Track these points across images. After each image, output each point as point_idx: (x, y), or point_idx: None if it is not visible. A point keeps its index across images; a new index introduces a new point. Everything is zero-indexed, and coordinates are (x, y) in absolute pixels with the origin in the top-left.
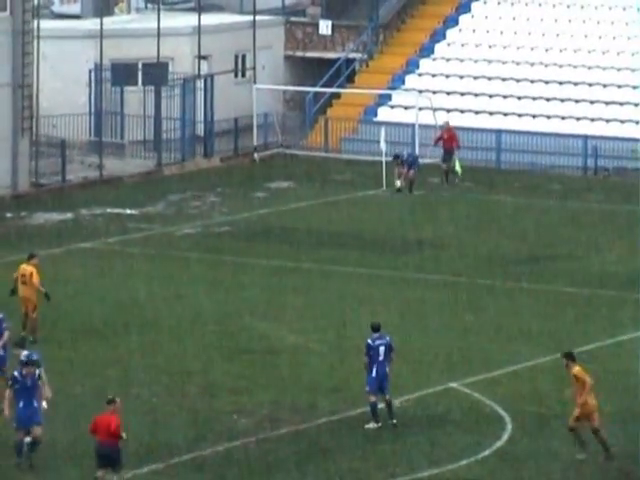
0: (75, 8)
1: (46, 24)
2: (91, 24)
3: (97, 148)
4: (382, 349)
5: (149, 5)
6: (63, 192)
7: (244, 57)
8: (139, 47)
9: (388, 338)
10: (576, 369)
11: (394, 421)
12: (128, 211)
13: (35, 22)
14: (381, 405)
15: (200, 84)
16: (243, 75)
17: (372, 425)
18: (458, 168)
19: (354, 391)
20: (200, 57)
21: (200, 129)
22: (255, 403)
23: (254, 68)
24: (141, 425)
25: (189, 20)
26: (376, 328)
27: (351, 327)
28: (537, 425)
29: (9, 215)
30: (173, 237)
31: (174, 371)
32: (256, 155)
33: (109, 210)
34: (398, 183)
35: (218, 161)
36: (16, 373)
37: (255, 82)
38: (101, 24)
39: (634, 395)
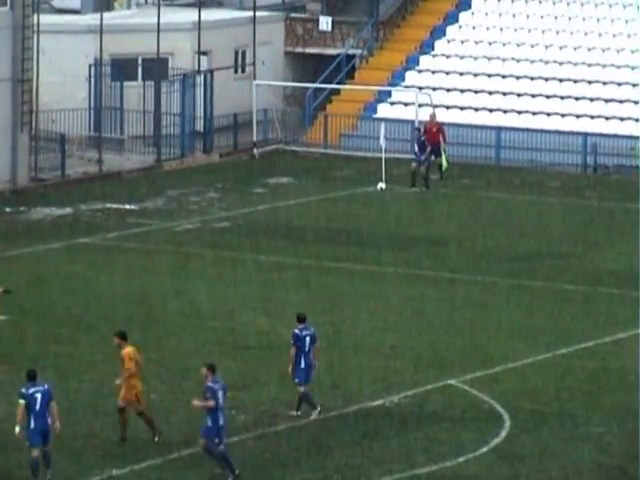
0: (75, 3)
1: (46, 19)
2: (91, 19)
3: (97, 143)
4: (308, 339)
5: (149, 0)
6: (62, 187)
7: (244, 53)
8: (139, 42)
9: (312, 329)
10: (127, 350)
11: (298, 413)
12: (127, 206)
13: (35, 17)
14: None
15: (200, 80)
16: (243, 71)
17: (315, 414)
18: (445, 164)
19: (352, 387)
20: (200, 53)
21: (200, 125)
22: (254, 399)
23: (254, 64)
24: (140, 421)
25: (189, 15)
26: (302, 319)
27: (350, 323)
28: (535, 422)
29: (8, 210)
30: (172, 232)
31: (173, 367)
32: (255, 151)
33: (108, 205)
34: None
35: (217, 157)
36: (24, 390)
37: (255, 78)
38: (101, 19)
39: (632, 393)
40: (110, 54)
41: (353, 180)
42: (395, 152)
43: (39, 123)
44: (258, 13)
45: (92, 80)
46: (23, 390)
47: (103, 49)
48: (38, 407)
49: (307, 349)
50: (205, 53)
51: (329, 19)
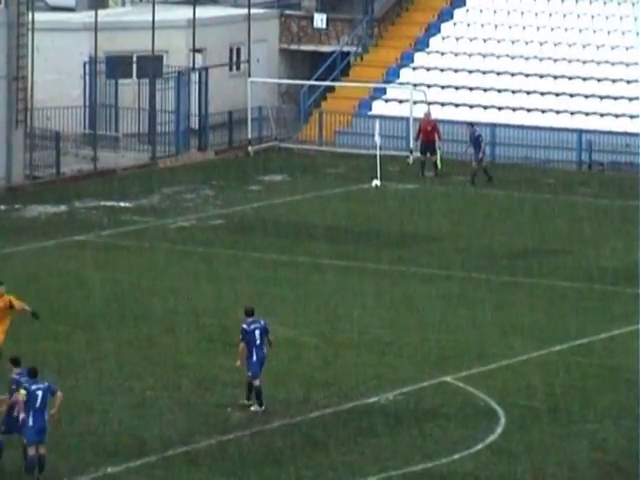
0: (69, 0)
1: (40, 16)
2: (85, 16)
3: (91, 141)
4: (257, 332)
5: None
6: (57, 184)
7: (239, 50)
8: (134, 40)
9: (263, 322)
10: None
11: (249, 403)
12: (122, 204)
13: (30, 14)
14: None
15: (195, 77)
16: (238, 68)
17: (256, 408)
18: (439, 162)
19: (347, 384)
20: (195, 50)
21: (195, 122)
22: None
23: (249, 61)
24: (135, 418)
25: (184, 13)
26: (249, 312)
27: (344, 321)
28: (530, 419)
29: (3, 207)
30: (167, 230)
31: (168, 364)
32: (250, 148)
33: (103, 203)
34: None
35: (212, 154)
36: (27, 384)
37: (250, 75)
38: (96, 16)
39: (629, 389)
40: (105, 51)
41: (348, 177)
42: (390, 149)
43: (34, 121)
44: (253, 10)
45: (87, 78)
46: (26, 385)
47: (98, 47)
48: (38, 404)
49: (257, 342)
50: (200, 50)
51: (324, 16)
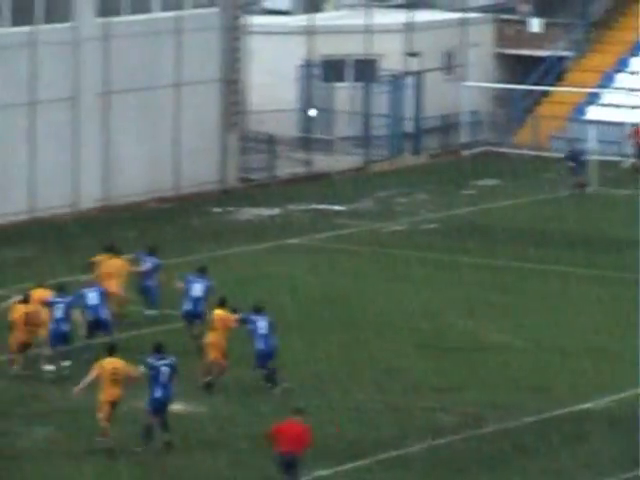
0: (285, 4)
1: (255, 20)
2: (300, 20)
3: (305, 144)
4: (263, 323)
5: (359, 1)
6: (271, 188)
7: (453, 54)
8: (348, 43)
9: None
10: None
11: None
12: (335, 207)
13: (245, 18)
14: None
15: (409, 81)
16: (452, 72)
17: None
18: None
19: (560, 390)
20: (410, 54)
21: (408, 126)
22: (459, 401)
23: (463, 65)
24: (347, 421)
25: (399, 17)
26: (258, 309)
27: (556, 326)
28: None
29: (217, 210)
30: (380, 234)
31: (379, 368)
32: (464, 152)
33: (316, 206)
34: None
35: (426, 158)
36: (150, 360)
37: (464, 79)
38: (311, 20)
39: None
40: (320, 55)
41: (561, 182)
42: (605, 154)
43: (248, 124)
44: (468, 15)
45: (301, 81)
46: (150, 360)
47: (313, 50)
48: (163, 378)
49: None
50: (414, 54)
51: (540, 21)
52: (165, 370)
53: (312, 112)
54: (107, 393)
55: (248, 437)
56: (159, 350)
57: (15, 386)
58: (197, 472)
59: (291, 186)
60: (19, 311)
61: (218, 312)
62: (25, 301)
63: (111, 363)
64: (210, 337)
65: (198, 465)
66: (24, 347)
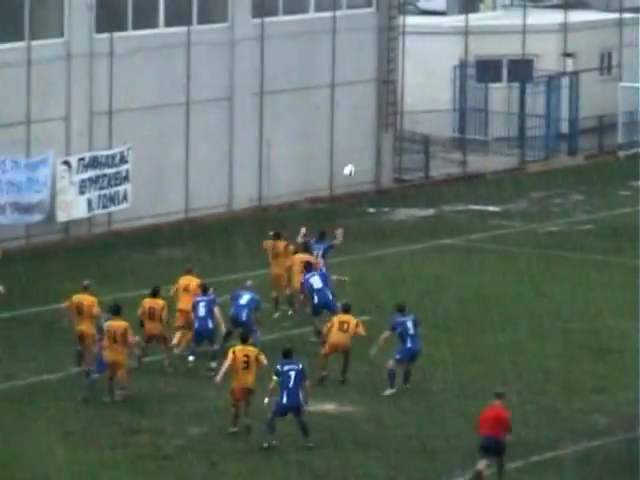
0: (440, 4)
1: (411, 20)
2: (456, 20)
3: (461, 144)
4: (410, 324)
5: (515, 2)
6: (426, 188)
7: (610, 55)
8: (504, 44)
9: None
10: None
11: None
12: (490, 208)
13: (401, 18)
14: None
15: (565, 81)
16: (608, 72)
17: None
18: None
19: None
20: (566, 54)
21: (564, 127)
22: (616, 403)
23: (619, 66)
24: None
25: (555, 17)
26: (401, 308)
27: None
28: None
29: (372, 210)
30: (535, 234)
31: (534, 369)
32: (621, 153)
33: (471, 207)
34: None
35: (582, 159)
36: (278, 366)
37: (620, 80)
38: (466, 20)
39: None
40: (475, 55)
41: None
42: None
43: (403, 124)
44: (625, 15)
45: (457, 81)
46: (278, 367)
47: (468, 50)
48: (291, 384)
49: (411, 332)
50: (571, 55)
51: None
52: (292, 375)
53: (348, 170)
54: (238, 380)
55: (400, 437)
56: (288, 355)
57: (171, 384)
58: (348, 472)
59: (445, 187)
60: (145, 305)
61: (344, 317)
62: (153, 295)
63: (242, 351)
64: (335, 337)
65: (350, 465)
66: (150, 339)
